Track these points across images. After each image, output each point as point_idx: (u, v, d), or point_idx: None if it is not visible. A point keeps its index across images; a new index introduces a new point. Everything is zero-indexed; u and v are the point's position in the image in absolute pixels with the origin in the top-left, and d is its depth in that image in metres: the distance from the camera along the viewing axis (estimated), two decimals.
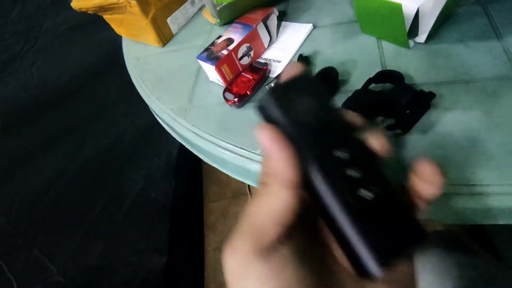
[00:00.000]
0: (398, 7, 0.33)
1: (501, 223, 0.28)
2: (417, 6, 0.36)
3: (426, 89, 0.32)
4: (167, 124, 0.49)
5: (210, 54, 0.43)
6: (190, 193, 1.34)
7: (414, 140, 0.31)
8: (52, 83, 0.83)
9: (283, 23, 0.50)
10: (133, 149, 1.06)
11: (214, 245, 1.25)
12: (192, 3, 0.58)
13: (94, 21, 0.63)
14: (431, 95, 0.31)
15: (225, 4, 0.41)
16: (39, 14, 0.79)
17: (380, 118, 0.33)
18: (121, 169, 1.00)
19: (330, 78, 0.38)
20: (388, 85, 0.36)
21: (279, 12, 0.51)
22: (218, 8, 0.41)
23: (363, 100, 0.30)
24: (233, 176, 0.45)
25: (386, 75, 0.34)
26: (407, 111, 0.30)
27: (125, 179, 1.01)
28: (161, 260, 1.07)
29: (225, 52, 0.42)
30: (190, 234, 1.25)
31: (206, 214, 1.34)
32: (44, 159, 0.80)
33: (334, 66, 0.39)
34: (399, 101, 0.31)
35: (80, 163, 0.88)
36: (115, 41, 0.70)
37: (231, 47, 0.43)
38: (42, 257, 0.75)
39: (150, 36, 0.55)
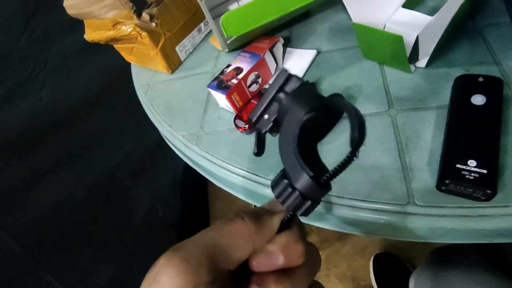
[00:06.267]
0: (399, 38, 0.35)
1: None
2: (416, 34, 0.38)
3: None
4: (179, 150, 0.51)
5: (220, 83, 0.45)
6: (196, 209, 1.34)
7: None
8: (60, 106, 0.84)
9: (288, 49, 0.52)
10: (140, 168, 1.07)
11: None
12: (199, 30, 0.61)
13: (100, 44, 0.66)
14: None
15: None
16: (48, 38, 0.80)
17: None
18: (129, 189, 1.01)
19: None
20: None
21: (283, 38, 0.53)
22: (228, 42, 0.43)
23: None
24: (240, 197, 0.46)
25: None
26: None
27: (133, 199, 1.02)
28: None
29: (235, 81, 0.44)
30: None
31: None
32: (54, 182, 0.80)
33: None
34: None
35: (89, 185, 0.88)
36: (121, 62, 0.72)
37: (240, 76, 0.45)
38: (54, 281, 0.75)
39: (160, 64, 0.57)
